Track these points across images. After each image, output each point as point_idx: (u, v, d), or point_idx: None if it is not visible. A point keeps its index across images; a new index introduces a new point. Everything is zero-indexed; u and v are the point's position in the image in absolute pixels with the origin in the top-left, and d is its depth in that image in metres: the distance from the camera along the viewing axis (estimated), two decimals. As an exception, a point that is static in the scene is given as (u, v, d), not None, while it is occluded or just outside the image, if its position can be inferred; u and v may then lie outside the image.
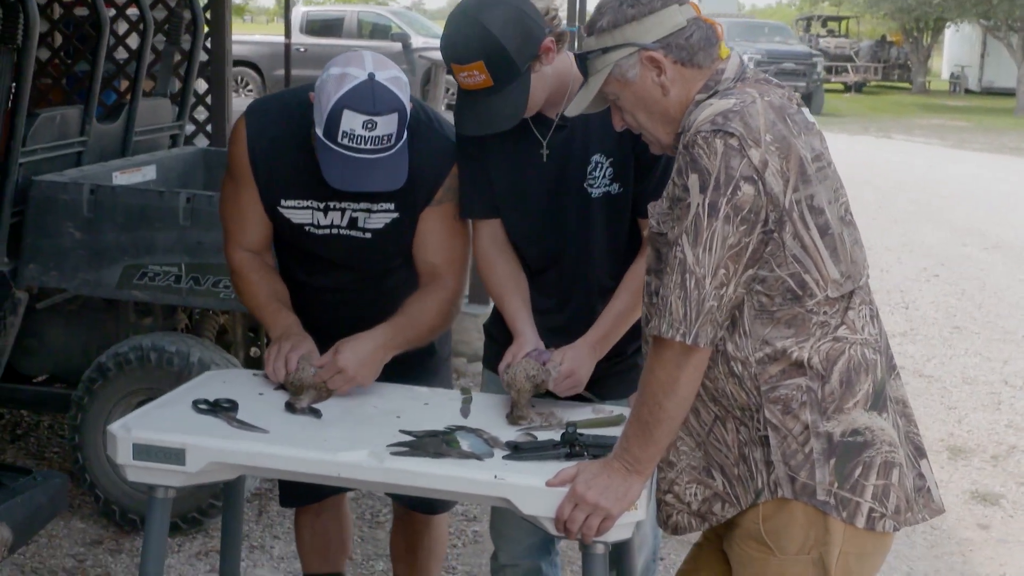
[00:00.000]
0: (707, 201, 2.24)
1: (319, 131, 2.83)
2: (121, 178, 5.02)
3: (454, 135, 3.08)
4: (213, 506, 4.47)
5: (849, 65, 33.90)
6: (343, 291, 3.24)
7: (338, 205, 3.08)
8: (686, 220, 2.26)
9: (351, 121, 2.77)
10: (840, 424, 2.33)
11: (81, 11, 6.78)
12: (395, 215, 3.08)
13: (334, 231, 3.10)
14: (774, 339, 2.33)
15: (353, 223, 3.09)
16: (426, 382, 3.23)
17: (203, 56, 6.58)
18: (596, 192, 2.93)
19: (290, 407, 2.84)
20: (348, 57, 2.86)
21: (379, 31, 22.83)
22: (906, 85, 36.11)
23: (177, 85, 6.13)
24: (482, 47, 2.74)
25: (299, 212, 3.10)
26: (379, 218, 3.09)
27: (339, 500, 3.61)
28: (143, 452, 2.65)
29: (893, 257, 10.88)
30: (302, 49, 21.30)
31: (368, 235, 3.10)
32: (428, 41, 21.40)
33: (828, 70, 31.90)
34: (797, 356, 2.32)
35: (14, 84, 4.46)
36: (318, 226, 3.10)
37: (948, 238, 11.90)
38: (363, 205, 3.07)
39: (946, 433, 6.28)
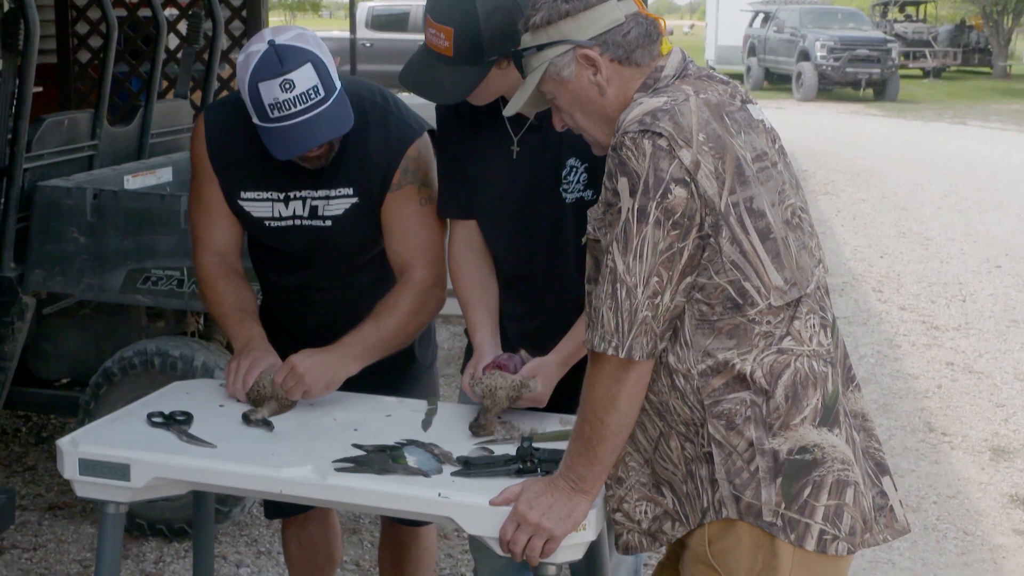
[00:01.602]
0: (636, 206, 2.13)
1: (255, 120, 2.79)
2: (134, 181, 5.00)
3: (416, 121, 3.02)
4: (219, 511, 4.43)
5: (927, 50, 33.23)
6: (312, 290, 3.17)
7: (298, 195, 3.02)
8: (617, 227, 2.16)
9: (269, 91, 2.72)
10: (787, 441, 2.20)
11: (119, 11, 6.82)
12: (354, 200, 3.01)
13: (296, 222, 3.04)
14: (715, 350, 2.21)
15: (314, 212, 3.03)
16: (407, 391, 3.15)
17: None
18: (570, 197, 2.82)
19: (245, 419, 2.77)
20: (251, 39, 2.84)
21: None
22: (986, 70, 35.34)
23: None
24: (460, 17, 2.64)
25: (259, 204, 3.04)
26: (338, 204, 3.02)
27: (326, 511, 3.53)
28: (89, 467, 2.60)
29: (955, 248, 10.61)
30: (368, 44, 21.34)
31: (328, 223, 3.03)
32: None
33: (905, 56, 31.33)
34: (740, 369, 2.20)
35: (17, 90, 4.44)
36: (280, 218, 3.04)
37: (1014, 227, 11.57)
38: (321, 192, 3.01)
39: (991, 432, 6.07)
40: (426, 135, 3.03)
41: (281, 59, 2.73)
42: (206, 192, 3.06)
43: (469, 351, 3.07)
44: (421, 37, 2.80)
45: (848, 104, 25.30)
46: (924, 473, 5.48)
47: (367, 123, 2.93)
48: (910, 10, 37.18)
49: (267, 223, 3.04)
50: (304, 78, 2.73)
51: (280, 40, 2.75)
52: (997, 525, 4.97)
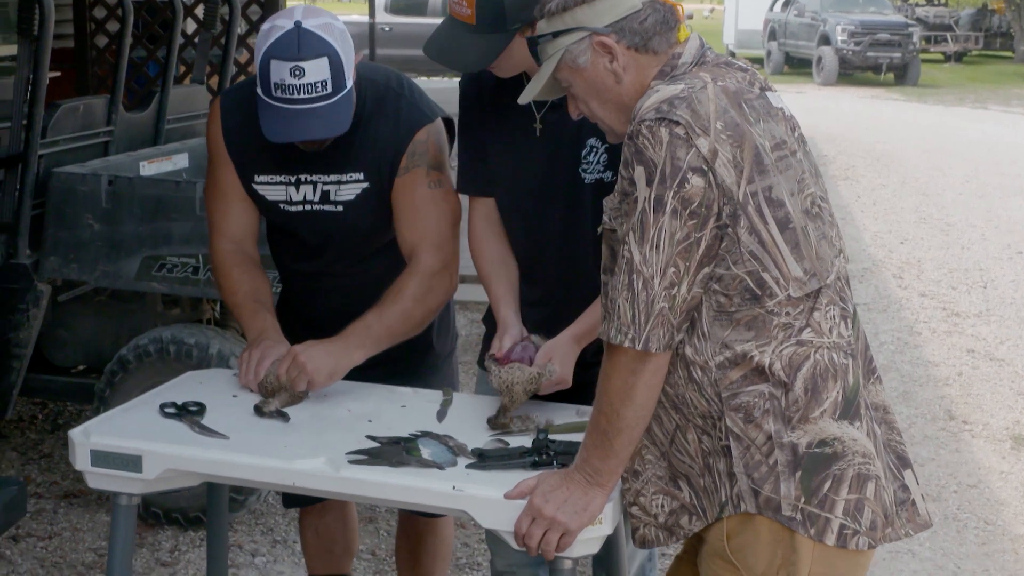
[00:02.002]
0: (653, 195, 2.09)
1: (258, 90, 2.77)
2: (150, 168, 4.98)
3: (429, 107, 2.99)
4: (234, 500, 4.41)
5: (948, 35, 33.01)
6: (326, 277, 3.15)
7: (309, 178, 3.00)
8: (633, 216, 2.12)
9: (279, 71, 2.70)
10: (806, 434, 2.16)
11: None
12: (365, 185, 2.98)
13: (307, 207, 3.02)
14: (734, 342, 2.17)
15: (325, 197, 3.00)
16: (425, 380, 3.12)
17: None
18: (589, 178, 2.80)
19: (258, 411, 2.74)
20: (280, 12, 2.81)
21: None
22: (1008, 54, 35.07)
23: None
24: None
25: (272, 188, 3.02)
26: (349, 189, 2.99)
27: (344, 501, 3.51)
28: (101, 459, 2.57)
29: (977, 234, 10.53)
30: (387, 28, 21.27)
31: (340, 208, 3.01)
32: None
33: (927, 40, 31.12)
34: (758, 361, 2.16)
35: (32, 75, 4.42)
36: (291, 202, 3.02)
37: (1036, 213, 11.50)
38: (333, 177, 2.98)
39: (1012, 421, 6.02)
40: (439, 121, 3.00)
41: (300, 44, 2.70)
42: (222, 177, 3.04)
43: (488, 334, 3.04)
44: (440, 21, 2.77)
45: (869, 88, 25.16)
46: (944, 462, 5.43)
47: (382, 109, 2.92)
48: (931, -6, 36.91)
49: (282, 206, 3.02)
50: (316, 70, 2.70)
51: (306, 24, 2.72)
52: (1018, 515, 4.92)
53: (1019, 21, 34.58)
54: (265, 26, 2.77)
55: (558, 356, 2.74)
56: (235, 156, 3.00)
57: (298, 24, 2.71)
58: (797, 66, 28.63)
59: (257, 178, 3.01)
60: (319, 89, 2.72)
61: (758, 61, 28.02)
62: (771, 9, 29.90)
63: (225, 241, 3.08)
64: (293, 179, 2.99)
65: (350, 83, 2.79)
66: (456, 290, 3.07)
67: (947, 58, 32.88)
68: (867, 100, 22.68)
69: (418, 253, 2.95)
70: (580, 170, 2.79)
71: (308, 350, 2.79)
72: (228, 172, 3.03)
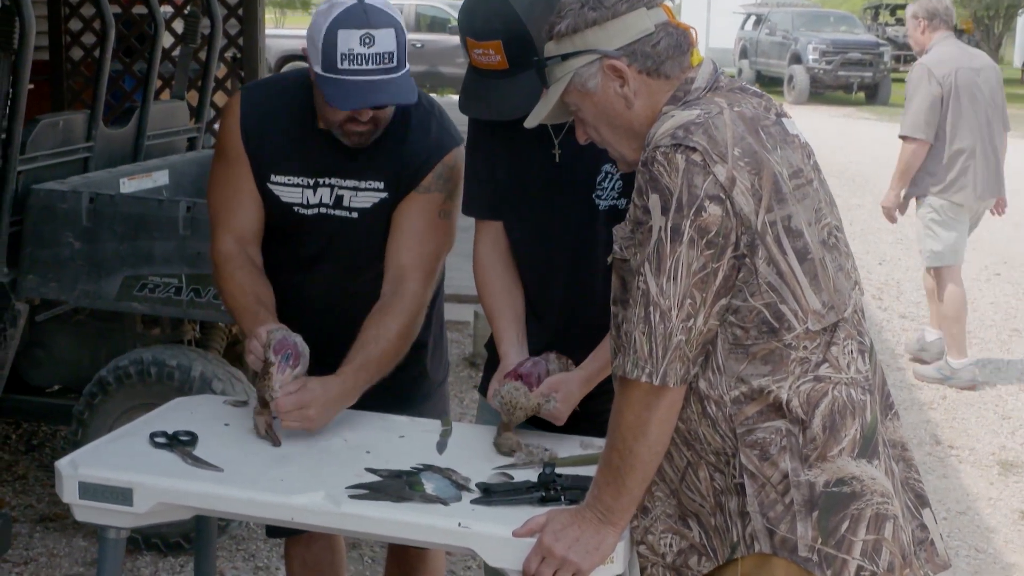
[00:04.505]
0: (669, 224, 2.03)
1: (318, 69, 2.72)
2: (130, 184, 4.88)
3: (456, 130, 2.95)
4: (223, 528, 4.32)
5: (918, 54, 33.22)
6: (315, 289, 3.06)
7: (327, 181, 2.94)
8: (648, 246, 2.05)
9: (348, 40, 2.68)
10: (824, 473, 2.10)
11: (113, 9, 6.69)
12: (383, 195, 2.93)
13: (322, 210, 2.95)
14: (750, 376, 2.11)
15: (339, 202, 2.94)
16: (417, 408, 3.05)
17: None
18: (603, 204, 2.73)
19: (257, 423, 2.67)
20: None
21: (437, 24, 22.69)
22: (978, 74, 35.31)
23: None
24: (503, 26, 2.56)
25: (288, 190, 2.96)
26: (366, 197, 2.93)
27: (335, 530, 3.43)
28: (89, 491, 2.50)
29: (953, 255, 10.51)
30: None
31: (354, 215, 2.95)
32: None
33: (897, 59, 31.26)
34: (776, 396, 2.10)
35: (11, 90, 4.32)
36: (307, 205, 2.96)
37: (1012, 235, 11.48)
38: (350, 183, 2.93)
39: (998, 446, 5.98)
40: (463, 147, 2.96)
41: (368, 14, 2.68)
42: (234, 172, 2.96)
43: (491, 360, 2.97)
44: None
45: (840, 107, 25.21)
46: (933, 488, 5.38)
47: (409, 121, 2.89)
48: (901, 13, 37.12)
49: (296, 209, 2.95)
50: (385, 40, 2.69)
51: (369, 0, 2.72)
52: (1009, 543, 4.88)
53: (987, 42, 34.83)
54: (322, 6, 2.74)
55: (564, 393, 2.68)
56: (252, 153, 2.94)
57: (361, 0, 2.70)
58: (768, 85, 28.66)
59: (273, 178, 2.94)
60: (387, 60, 2.70)
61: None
62: (743, 27, 30.02)
63: (229, 239, 2.97)
64: (311, 182, 2.93)
65: (407, 64, 2.77)
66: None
67: (917, 77, 33.03)
68: (839, 119, 22.72)
69: (407, 278, 2.89)
70: (594, 196, 2.73)
71: (319, 397, 2.70)
72: (241, 168, 2.95)
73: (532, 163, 2.77)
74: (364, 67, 2.68)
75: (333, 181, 2.93)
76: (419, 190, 2.90)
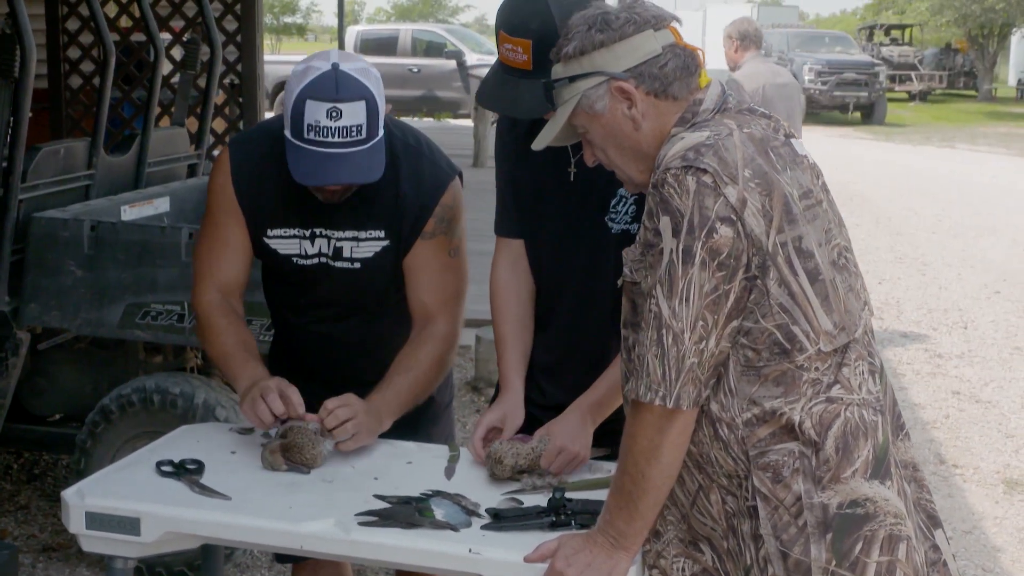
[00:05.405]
0: (680, 246, 2.02)
1: (287, 132, 2.68)
2: (131, 212, 4.87)
3: (448, 164, 2.93)
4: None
5: (913, 74, 33.31)
6: (334, 333, 3.05)
7: (324, 232, 2.91)
8: (659, 269, 2.05)
9: (314, 111, 2.62)
10: (837, 494, 2.09)
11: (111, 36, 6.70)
12: (385, 243, 2.90)
13: (322, 260, 2.93)
14: (762, 398, 2.10)
15: (339, 253, 2.91)
16: (424, 432, 3.04)
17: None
18: (616, 228, 2.73)
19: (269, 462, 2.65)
20: (315, 54, 2.74)
21: (434, 49, 22.78)
22: (972, 93, 35.44)
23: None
24: (538, 28, 2.53)
25: (285, 242, 2.93)
26: (368, 246, 2.91)
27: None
28: (96, 521, 2.48)
29: (953, 273, 10.55)
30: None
31: (357, 265, 2.92)
32: (483, 59, 21.28)
33: (891, 79, 31.40)
34: (788, 418, 2.08)
35: (12, 118, 4.32)
36: (305, 256, 2.93)
37: (1010, 253, 11.52)
38: (349, 233, 2.90)
39: (1002, 464, 5.97)
40: (458, 180, 2.94)
41: (338, 86, 2.63)
42: (223, 226, 2.93)
43: (496, 388, 2.96)
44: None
45: (836, 128, 25.29)
46: (939, 507, 5.32)
47: (398, 164, 2.84)
48: (895, 33, 37.29)
49: (295, 260, 2.93)
50: (353, 113, 2.63)
51: (344, 67, 2.66)
52: (1016, 561, 4.86)
53: (982, 60, 34.97)
54: (299, 67, 2.70)
55: (557, 430, 2.67)
56: (246, 208, 2.90)
57: (335, 66, 2.64)
58: (764, 105, 28.79)
59: (270, 232, 2.92)
60: (354, 133, 2.64)
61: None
62: (738, 48, 30.07)
63: (212, 292, 2.96)
64: (307, 232, 2.90)
65: (382, 132, 2.72)
66: None
67: (912, 97, 33.17)
68: (835, 139, 22.79)
69: (436, 319, 2.91)
70: (607, 219, 2.73)
71: (361, 413, 2.73)
72: (232, 222, 2.92)
73: (549, 180, 2.77)
74: (329, 139, 2.64)
75: (329, 232, 2.90)
76: (424, 237, 2.89)
